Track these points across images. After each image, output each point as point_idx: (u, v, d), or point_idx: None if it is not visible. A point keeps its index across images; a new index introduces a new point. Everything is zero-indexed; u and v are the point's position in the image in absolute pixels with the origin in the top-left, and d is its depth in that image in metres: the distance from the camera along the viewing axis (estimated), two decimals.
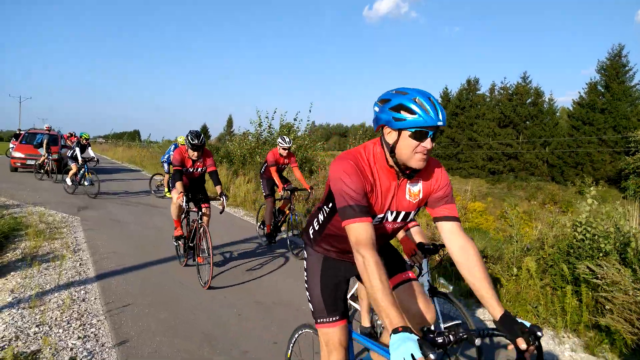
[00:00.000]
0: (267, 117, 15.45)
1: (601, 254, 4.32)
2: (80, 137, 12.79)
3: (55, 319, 3.98)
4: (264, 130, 15.58)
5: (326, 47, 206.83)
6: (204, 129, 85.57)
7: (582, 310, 4.24)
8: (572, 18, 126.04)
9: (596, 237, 4.47)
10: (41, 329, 3.76)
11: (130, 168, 25.05)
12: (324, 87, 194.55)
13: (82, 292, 4.73)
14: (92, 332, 3.76)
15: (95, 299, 4.56)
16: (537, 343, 1.57)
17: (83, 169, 12.10)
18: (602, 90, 43.73)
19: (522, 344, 1.54)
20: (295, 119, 15.35)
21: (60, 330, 3.75)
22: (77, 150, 12.32)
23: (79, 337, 3.65)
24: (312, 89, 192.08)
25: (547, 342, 4.13)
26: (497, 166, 49.74)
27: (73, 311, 4.19)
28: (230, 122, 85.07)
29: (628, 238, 4.31)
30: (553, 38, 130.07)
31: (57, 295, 4.56)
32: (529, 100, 49.87)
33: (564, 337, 4.20)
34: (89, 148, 12.93)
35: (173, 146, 11.34)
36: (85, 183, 12.08)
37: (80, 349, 3.45)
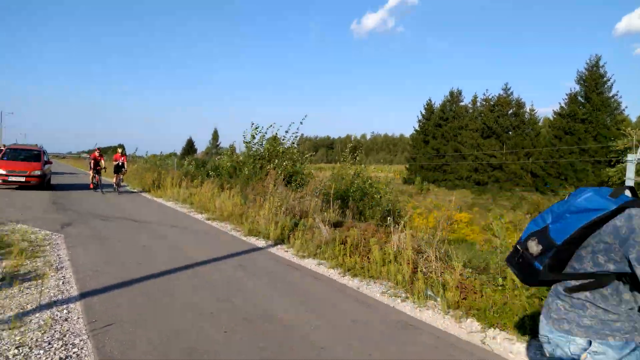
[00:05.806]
0: (260, 132, 15.39)
1: None
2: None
3: (36, 339, 3.89)
4: (255, 144, 15.52)
5: (314, 61, 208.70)
6: (190, 143, 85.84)
7: None
8: (552, 30, 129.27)
9: None
10: (21, 350, 3.66)
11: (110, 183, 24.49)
12: (311, 101, 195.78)
13: (65, 311, 4.62)
14: (74, 352, 3.68)
15: (78, 318, 4.46)
16: None
17: None
18: (582, 101, 44.68)
19: None
20: (286, 132, 15.27)
21: (41, 352, 3.66)
22: None
23: (60, 358, 3.56)
24: (300, 102, 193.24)
25: (534, 352, 4.15)
26: (482, 177, 50.32)
27: (55, 331, 4.09)
28: (215, 135, 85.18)
29: None
30: (534, 50, 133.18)
31: (39, 315, 4.45)
32: (511, 111, 50.73)
33: None
34: None
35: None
36: None
37: None
